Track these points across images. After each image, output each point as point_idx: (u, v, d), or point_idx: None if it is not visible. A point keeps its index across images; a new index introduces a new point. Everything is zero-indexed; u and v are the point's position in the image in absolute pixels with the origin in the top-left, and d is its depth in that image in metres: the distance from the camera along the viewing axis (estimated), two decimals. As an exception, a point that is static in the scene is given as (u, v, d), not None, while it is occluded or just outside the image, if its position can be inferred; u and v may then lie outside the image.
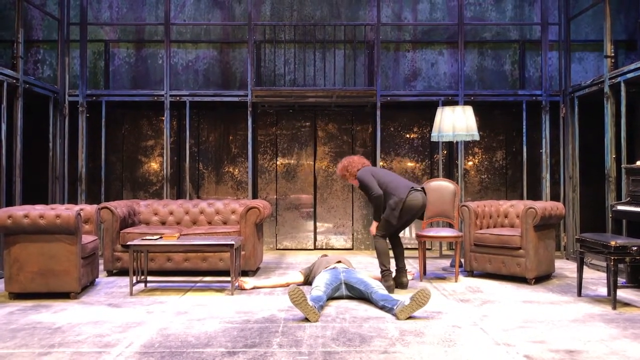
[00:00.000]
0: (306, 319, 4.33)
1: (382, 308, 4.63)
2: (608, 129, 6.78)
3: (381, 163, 8.30)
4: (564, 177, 7.95)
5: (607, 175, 6.76)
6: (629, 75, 6.39)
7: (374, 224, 5.58)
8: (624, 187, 6.18)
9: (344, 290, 5.04)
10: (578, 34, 8.59)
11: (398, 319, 4.37)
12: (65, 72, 7.99)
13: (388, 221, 5.45)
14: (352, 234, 8.83)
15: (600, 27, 7.35)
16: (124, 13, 8.84)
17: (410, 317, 4.39)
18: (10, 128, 6.67)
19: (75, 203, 7.71)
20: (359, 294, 4.98)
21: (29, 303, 4.95)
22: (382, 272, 5.48)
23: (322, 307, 4.58)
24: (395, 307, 4.45)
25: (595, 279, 6.04)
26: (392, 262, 5.58)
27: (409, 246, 8.35)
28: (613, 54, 6.89)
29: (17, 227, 5.00)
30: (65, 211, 5.10)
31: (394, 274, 5.59)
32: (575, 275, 5.38)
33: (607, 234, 6.20)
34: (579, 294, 5.24)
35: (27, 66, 8.61)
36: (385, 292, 4.79)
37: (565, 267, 6.98)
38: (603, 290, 5.41)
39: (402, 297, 4.61)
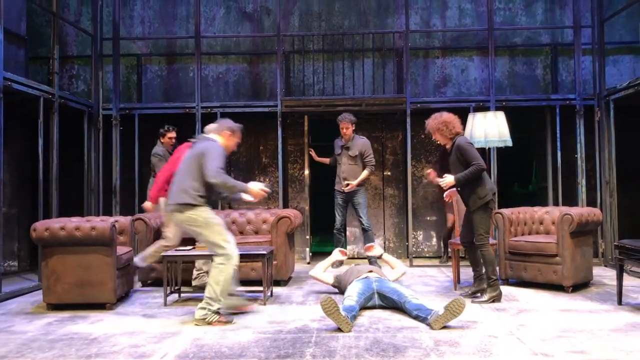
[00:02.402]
0: (339, 329, 4.30)
1: (416, 318, 4.57)
2: (646, 132, 6.61)
3: (413, 170, 8.23)
4: (600, 183, 7.77)
5: (645, 180, 6.59)
6: (667, 77, 6.23)
7: (451, 177, 5.24)
8: (663, 192, 6.02)
9: (376, 300, 5.00)
10: (612, 36, 8.41)
11: (432, 328, 4.31)
12: (99, 87, 8.15)
13: (489, 211, 5.26)
14: (384, 243, 8.76)
15: (635, 28, 7.20)
16: (155, 28, 9.00)
17: (444, 327, 4.33)
18: (47, 142, 6.83)
19: (110, 215, 7.82)
20: (391, 304, 4.93)
21: (66, 314, 5.04)
22: (491, 281, 5.30)
23: (354, 317, 4.55)
24: (429, 317, 4.39)
25: (636, 287, 5.87)
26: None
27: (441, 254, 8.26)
28: (649, 56, 6.74)
29: (54, 239, 5.10)
30: (100, 223, 5.18)
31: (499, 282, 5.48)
32: (614, 283, 5.24)
33: (647, 240, 6.03)
34: (619, 302, 5.10)
35: (62, 81, 8.80)
36: (419, 301, 4.73)
37: (604, 274, 6.80)
38: (644, 298, 5.26)
39: (436, 306, 4.55)
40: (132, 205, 8.12)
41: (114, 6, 8.21)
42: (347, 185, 7.40)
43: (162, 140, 7.43)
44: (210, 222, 4.60)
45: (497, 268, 6.29)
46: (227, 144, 4.83)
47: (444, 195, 5.81)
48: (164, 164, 7.05)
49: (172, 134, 7.43)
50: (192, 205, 4.56)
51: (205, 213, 4.59)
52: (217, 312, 4.60)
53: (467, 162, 5.19)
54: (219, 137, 4.80)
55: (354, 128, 7.48)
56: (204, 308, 4.58)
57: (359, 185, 7.43)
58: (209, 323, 4.56)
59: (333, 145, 7.77)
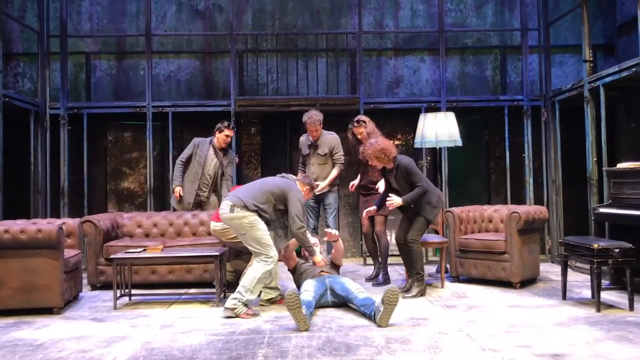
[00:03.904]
0: (293, 330, 4.31)
1: (363, 314, 4.67)
2: (589, 132, 6.84)
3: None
4: (547, 181, 8.01)
5: (589, 179, 6.82)
6: (608, 79, 6.46)
7: (398, 200, 5.43)
8: (605, 190, 6.24)
9: (329, 297, 5.04)
10: (558, 39, 8.66)
11: (381, 326, 4.38)
12: (46, 85, 7.92)
13: (429, 221, 5.55)
14: (338, 242, 8.79)
15: (579, 31, 7.43)
16: (104, 24, 8.80)
17: (395, 325, 4.40)
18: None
19: (58, 217, 7.61)
20: (342, 300, 5.00)
21: (10, 320, 4.87)
22: (418, 276, 5.54)
23: (311, 315, 4.57)
24: (373, 315, 4.48)
25: (580, 282, 6.07)
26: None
27: (394, 252, 8.33)
28: (592, 59, 6.96)
29: (-3, 242, 4.93)
30: (46, 225, 5.04)
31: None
32: (560, 278, 5.41)
33: (590, 236, 6.25)
34: (564, 297, 5.27)
35: (7, 79, 8.51)
36: (365, 294, 4.80)
37: (551, 270, 7.01)
38: (587, 293, 5.44)
39: (378, 299, 4.56)
40: (81, 206, 7.92)
41: (61, 2, 7.99)
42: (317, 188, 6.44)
43: (216, 135, 6.82)
44: (255, 226, 4.93)
45: (449, 265, 6.43)
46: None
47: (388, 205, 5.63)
48: (181, 172, 6.88)
49: (230, 132, 6.86)
50: (246, 208, 4.91)
51: (252, 217, 4.93)
52: (245, 304, 4.83)
53: (412, 183, 5.41)
54: (301, 186, 5.34)
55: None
56: (235, 298, 4.81)
57: (331, 185, 6.68)
58: (237, 315, 4.76)
59: (298, 145, 6.94)
